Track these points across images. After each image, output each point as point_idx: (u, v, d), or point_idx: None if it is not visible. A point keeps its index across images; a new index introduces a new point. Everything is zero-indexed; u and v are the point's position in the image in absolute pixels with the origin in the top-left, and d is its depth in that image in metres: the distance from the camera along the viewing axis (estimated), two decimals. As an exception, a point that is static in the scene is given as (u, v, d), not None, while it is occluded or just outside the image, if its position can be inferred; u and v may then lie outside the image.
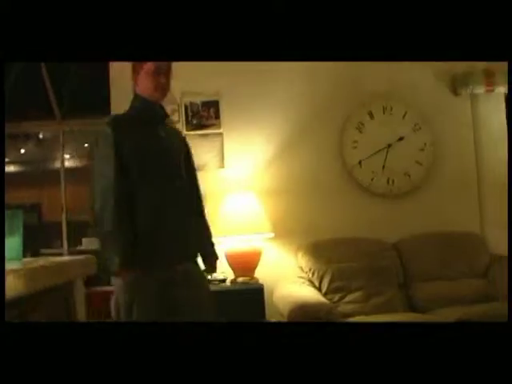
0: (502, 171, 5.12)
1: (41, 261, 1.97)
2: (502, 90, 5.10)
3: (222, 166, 4.84)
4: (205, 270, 3.02)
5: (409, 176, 5.02)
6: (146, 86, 2.82)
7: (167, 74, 2.84)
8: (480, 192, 5.13)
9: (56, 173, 6.27)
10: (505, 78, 5.03)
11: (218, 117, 4.86)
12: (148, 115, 2.85)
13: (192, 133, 4.77)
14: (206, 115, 4.85)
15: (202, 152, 4.73)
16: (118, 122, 2.81)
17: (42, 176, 9.11)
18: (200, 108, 4.86)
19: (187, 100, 4.86)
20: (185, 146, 3.10)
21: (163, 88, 2.83)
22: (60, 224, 5.94)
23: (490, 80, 5.05)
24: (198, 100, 4.87)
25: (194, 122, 4.83)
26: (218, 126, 4.87)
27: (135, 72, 2.85)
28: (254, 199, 4.61)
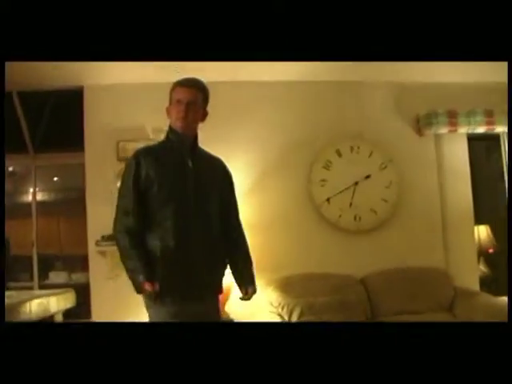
0: (465, 208, 5.31)
1: (24, 295, 2.02)
2: (464, 130, 5.31)
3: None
4: (240, 298, 3.14)
5: (375, 213, 5.17)
6: (172, 116, 2.94)
7: (189, 104, 2.90)
8: (444, 228, 5.29)
9: (26, 206, 6.25)
10: (468, 119, 5.24)
11: (190, 154, 4.94)
12: (175, 146, 2.95)
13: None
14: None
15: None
16: (143, 153, 2.91)
17: (11, 209, 9.04)
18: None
19: (160, 137, 4.90)
20: (224, 177, 3.17)
21: (184, 118, 2.90)
22: (28, 258, 5.91)
23: (453, 121, 5.26)
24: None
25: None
26: (190, 162, 4.93)
27: (169, 103, 2.97)
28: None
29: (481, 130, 5.35)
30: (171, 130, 2.97)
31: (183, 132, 2.93)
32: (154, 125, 4.86)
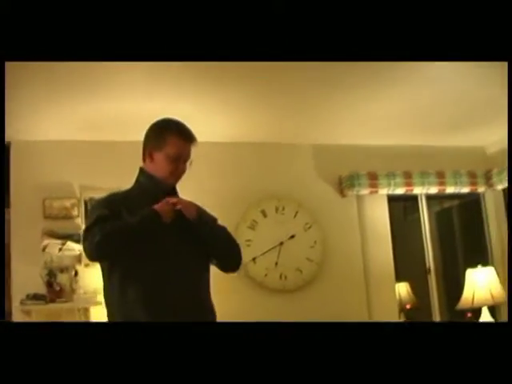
0: (386, 266, 5.49)
1: None
2: (384, 191, 5.53)
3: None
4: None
5: (300, 272, 5.27)
6: (162, 169, 2.66)
7: (186, 160, 2.69)
8: (367, 285, 5.43)
9: None
10: (388, 181, 5.47)
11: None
12: (153, 191, 2.67)
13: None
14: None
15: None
16: (113, 200, 2.67)
17: None
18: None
19: (87, 195, 4.91)
20: (199, 218, 2.75)
21: (180, 174, 2.71)
22: None
23: (373, 182, 5.47)
24: (99, 196, 4.92)
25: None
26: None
27: (152, 147, 2.69)
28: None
29: (400, 191, 5.58)
30: (149, 175, 2.71)
31: (171, 186, 2.72)
32: (81, 182, 4.88)
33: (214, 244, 2.75)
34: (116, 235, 2.50)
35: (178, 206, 2.59)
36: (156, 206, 2.54)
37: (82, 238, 2.60)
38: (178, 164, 2.66)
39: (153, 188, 2.69)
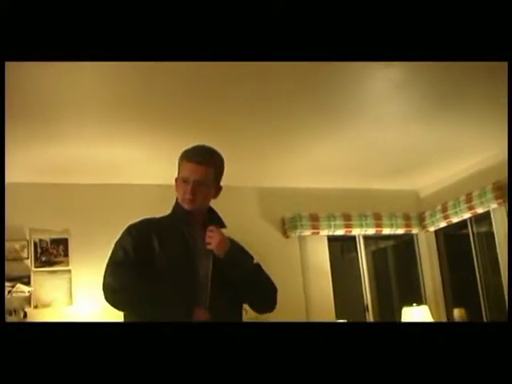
0: (326, 302, 5.71)
1: None
2: (325, 232, 5.79)
3: (70, 302, 4.92)
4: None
5: (245, 311, 5.40)
6: (179, 193, 2.57)
7: (197, 184, 2.51)
8: (308, 319, 5.62)
9: None
10: (328, 223, 5.73)
11: (66, 254, 5.01)
12: (179, 217, 2.58)
13: (40, 269, 4.88)
14: (54, 252, 4.98)
15: (50, 289, 4.83)
16: (146, 224, 2.59)
17: None
18: (49, 245, 4.99)
19: (36, 237, 4.97)
20: (230, 257, 2.59)
21: (190, 199, 2.53)
22: None
23: (315, 224, 5.72)
24: (47, 237, 5.00)
25: (43, 258, 4.94)
26: (67, 263, 5.01)
27: (177, 177, 2.60)
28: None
29: (340, 232, 5.86)
30: (176, 202, 2.61)
31: (189, 212, 2.58)
32: (31, 225, 4.93)
33: (246, 286, 2.60)
34: (139, 301, 2.40)
35: (209, 246, 2.49)
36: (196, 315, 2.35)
37: (105, 271, 2.50)
38: (187, 187, 2.51)
39: (183, 216, 2.58)
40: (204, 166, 2.52)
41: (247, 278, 2.61)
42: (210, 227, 2.52)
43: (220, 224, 2.65)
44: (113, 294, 2.41)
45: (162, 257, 2.47)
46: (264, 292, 2.68)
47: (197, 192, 2.52)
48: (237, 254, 2.61)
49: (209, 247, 2.48)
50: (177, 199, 2.61)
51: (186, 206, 2.54)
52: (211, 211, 2.68)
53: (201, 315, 2.34)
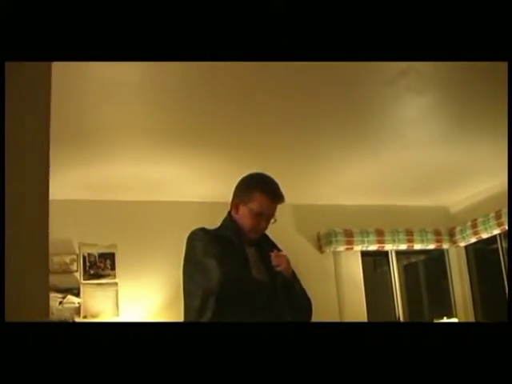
0: (360, 315, 5.89)
1: None
2: (359, 248, 6.00)
3: (116, 313, 5.19)
4: None
5: (282, 322, 5.62)
6: (244, 222, 2.66)
7: (269, 218, 2.69)
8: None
9: None
10: (362, 239, 5.93)
11: (113, 268, 5.29)
12: (233, 239, 2.68)
13: (89, 282, 5.16)
14: (102, 266, 5.26)
15: (98, 300, 5.10)
16: (207, 235, 2.69)
17: None
18: (97, 259, 5.27)
19: (85, 251, 5.26)
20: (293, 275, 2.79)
21: (261, 231, 2.70)
22: None
23: (349, 239, 5.93)
24: (95, 251, 5.29)
25: (92, 272, 5.22)
26: (114, 276, 5.29)
27: (239, 200, 2.70)
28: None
29: (373, 247, 6.06)
30: (234, 223, 2.71)
31: (247, 238, 2.70)
32: (80, 239, 5.21)
33: (296, 300, 2.73)
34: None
35: (279, 268, 2.62)
36: None
37: (184, 273, 2.72)
38: (261, 221, 2.66)
39: (234, 236, 2.68)
40: (277, 203, 2.69)
41: (299, 292, 2.76)
42: (276, 251, 2.67)
43: (276, 247, 2.79)
44: (194, 296, 2.60)
45: (220, 264, 2.53)
46: (307, 306, 2.81)
47: (267, 225, 2.69)
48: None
49: (278, 269, 2.60)
50: (231, 216, 2.72)
51: (254, 235, 2.68)
52: (264, 234, 2.79)
53: None
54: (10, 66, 1.79)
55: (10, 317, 1.55)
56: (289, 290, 2.68)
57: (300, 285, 2.85)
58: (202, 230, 2.74)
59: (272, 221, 2.72)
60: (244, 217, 2.68)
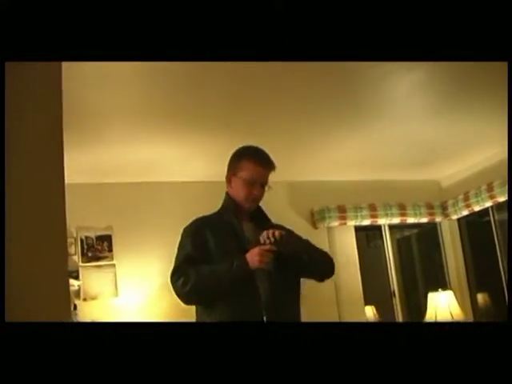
0: (356, 290, 5.96)
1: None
2: (352, 223, 6.06)
3: (115, 294, 5.25)
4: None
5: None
6: (238, 193, 2.77)
7: (263, 186, 2.79)
8: (339, 310, 5.88)
9: None
10: (355, 214, 5.99)
11: (110, 250, 5.34)
12: (233, 214, 2.78)
13: (87, 264, 5.21)
14: (99, 248, 5.31)
15: (97, 282, 5.16)
16: (204, 222, 2.80)
17: None
18: (94, 242, 5.31)
19: (82, 234, 5.30)
20: (294, 251, 2.75)
21: (255, 199, 2.78)
22: None
23: (342, 215, 5.99)
24: (93, 234, 5.33)
25: (90, 254, 5.26)
26: (111, 258, 5.34)
27: (231, 173, 2.81)
28: (149, 325, 4.98)
29: (366, 222, 6.13)
30: (231, 199, 2.82)
31: (248, 210, 2.83)
32: (77, 223, 5.23)
33: (311, 269, 2.82)
34: (206, 285, 2.61)
35: (271, 253, 2.60)
36: (248, 255, 2.58)
37: (171, 276, 2.69)
38: (253, 188, 2.75)
39: (232, 211, 2.78)
40: (269, 170, 2.80)
41: (311, 261, 2.79)
42: (265, 246, 2.60)
43: (266, 218, 2.91)
44: (185, 295, 2.63)
45: (218, 251, 2.67)
46: (326, 267, 2.90)
47: (261, 194, 2.79)
48: (297, 240, 2.83)
49: (273, 251, 2.59)
50: (228, 194, 2.83)
51: (249, 205, 2.78)
52: (258, 208, 2.89)
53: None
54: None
55: (28, 316, 1.59)
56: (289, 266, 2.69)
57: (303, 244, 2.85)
58: (194, 225, 2.81)
59: (266, 188, 2.82)
60: (237, 188, 2.78)
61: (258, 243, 2.64)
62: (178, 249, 2.79)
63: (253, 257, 2.58)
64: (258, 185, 2.77)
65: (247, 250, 2.63)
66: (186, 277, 2.62)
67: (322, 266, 2.90)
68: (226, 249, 2.69)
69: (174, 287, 2.67)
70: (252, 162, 2.76)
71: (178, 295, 2.67)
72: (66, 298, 1.87)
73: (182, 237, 2.81)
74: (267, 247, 2.59)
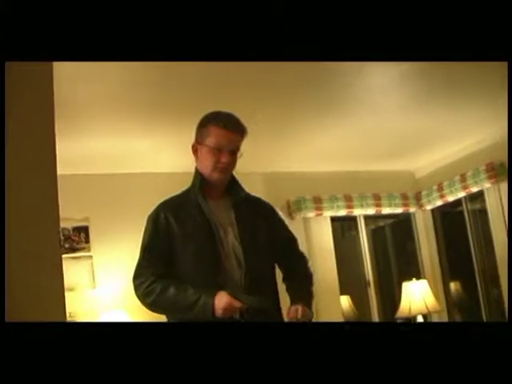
0: (331, 280, 6.02)
1: None
2: (328, 213, 6.12)
3: (93, 286, 5.25)
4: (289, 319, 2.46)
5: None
6: (205, 163, 2.47)
7: (233, 152, 2.46)
8: (315, 300, 5.92)
9: None
10: (331, 204, 6.05)
11: (87, 241, 5.33)
12: (200, 192, 2.49)
13: (64, 256, 5.15)
14: (76, 239, 5.29)
15: (74, 274, 5.13)
16: (167, 205, 2.54)
17: None
18: (71, 233, 5.29)
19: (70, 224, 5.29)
20: (267, 215, 2.69)
21: (223, 168, 2.45)
22: None
23: (318, 205, 6.05)
24: (69, 225, 5.30)
25: (66, 245, 5.24)
26: (88, 249, 5.33)
27: (197, 142, 2.51)
28: (126, 317, 4.98)
29: (342, 212, 6.18)
30: (197, 174, 2.52)
31: (219, 183, 2.51)
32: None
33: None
34: (167, 306, 2.42)
35: (240, 311, 2.32)
36: (216, 299, 2.28)
37: (133, 278, 2.56)
38: (221, 156, 2.43)
39: (200, 188, 2.49)
40: (238, 134, 2.48)
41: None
42: (237, 302, 2.31)
43: (240, 190, 2.62)
44: (146, 306, 2.47)
45: (181, 236, 2.42)
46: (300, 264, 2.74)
47: (231, 161, 2.46)
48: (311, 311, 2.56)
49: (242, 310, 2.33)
50: (196, 169, 2.52)
51: (217, 176, 2.45)
52: (233, 180, 2.59)
53: (224, 299, 2.29)
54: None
55: (26, 316, 1.62)
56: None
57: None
58: (155, 212, 2.56)
59: (238, 156, 2.52)
60: (203, 158, 2.48)
61: (228, 225, 2.46)
62: (142, 239, 2.57)
63: (220, 304, 2.27)
64: (227, 151, 2.43)
65: (213, 235, 2.42)
66: (149, 287, 2.43)
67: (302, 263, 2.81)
68: (191, 234, 2.44)
69: (135, 290, 2.52)
70: (217, 127, 2.44)
71: (140, 301, 2.51)
72: (60, 289, 1.96)
73: (145, 226, 2.56)
74: (237, 304, 2.29)
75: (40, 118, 1.99)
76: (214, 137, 2.44)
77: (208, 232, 2.43)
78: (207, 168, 2.46)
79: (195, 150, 2.53)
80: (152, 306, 2.46)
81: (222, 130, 2.44)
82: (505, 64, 2.27)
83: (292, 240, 2.79)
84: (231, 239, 2.47)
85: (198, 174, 2.52)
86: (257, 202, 2.76)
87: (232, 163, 2.49)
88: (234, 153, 2.47)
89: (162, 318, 2.61)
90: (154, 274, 2.46)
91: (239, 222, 2.50)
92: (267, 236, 2.57)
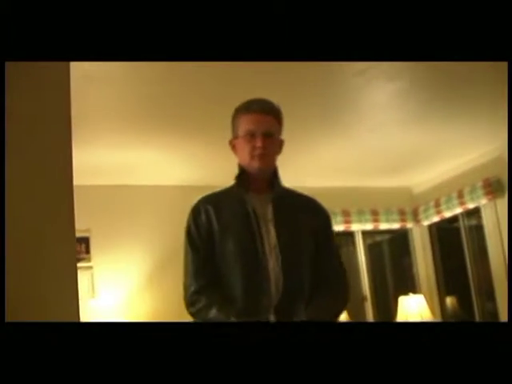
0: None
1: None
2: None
3: (93, 296, 5.28)
4: None
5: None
6: (242, 155, 2.30)
7: (268, 135, 2.26)
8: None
9: None
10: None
11: (88, 252, 5.37)
12: (242, 185, 2.33)
13: (65, 266, 5.23)
14: (77, 250, 5.34)
15: (74, 284, 5.17)
16: (204, 202, 2.37)
17: None
18: (72, 243, 5.32)
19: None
20: (316, 219, 2.55)
21: (261, 154, 2.25)
22: None
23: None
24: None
25: (67, 256, 5.27)
26: (89, 259, 5.38)
27: (233, 137, 2.37)
28: (126, 326, 5.02)
29: (340, 228, 6.25)
30: (240, 168, 2.33)
31: (260, 172, 2.30)
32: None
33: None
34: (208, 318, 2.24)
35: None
36: None
37: (184, 282, 2.37)
38: (256, 141, 2.25)
39: (242, 180, 2.34)
40: (269, 116, 2.30)
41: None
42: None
43: (278, 184, 2.40)
44: (192, 314, 2.31)
45: (222, 235, 2.29)
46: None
47: (267, 145, 2.25)
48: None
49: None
50: (239, 165, 2.36)
51: (257, 164, 2.26)
52: (276, 174, 2.39)
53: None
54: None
55: (37, 316, 1.63)
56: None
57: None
58: (198, 201, 2.41)
59: (277, 139, 2.33)
60: (240, 149, 2.33)
61: (269, 221, 2.28)
62: (185, 238, 2.40)
63: None
64: (260, 135, 2.25)
65: (253, 228, 2.26)
66: (194, 296, 2.29)
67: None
68: (230, 229, 2.29)
69: (188, 301, 2.34)
70: (246, 113, 2.30)
71: (185, 304, 2.35)
72: (75, 297, 1.86)
73: (187, 220, 2.40)
74: None
75: (53, 121, 2.01)
76: (244, 124, 2.30)
77: (249, 225, 2.27)
78: (245, 158, 2.30)
79: (233, 146, 2.38)
80: (193, 317, 2.32)
81: (251, 115, 2.29)
82: (504, 78, 2.27)
83: (331, 252, 2.54)
84: (272, 235, 2.30)
85: (239, 169, 2.36)
86: (301, 200, 2.59)
87: (269, 147, 2.27)
88: (268, 136, 2.27)
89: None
90: (198, 280, 2.32)
91: (277, 217, 2.32)
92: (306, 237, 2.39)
